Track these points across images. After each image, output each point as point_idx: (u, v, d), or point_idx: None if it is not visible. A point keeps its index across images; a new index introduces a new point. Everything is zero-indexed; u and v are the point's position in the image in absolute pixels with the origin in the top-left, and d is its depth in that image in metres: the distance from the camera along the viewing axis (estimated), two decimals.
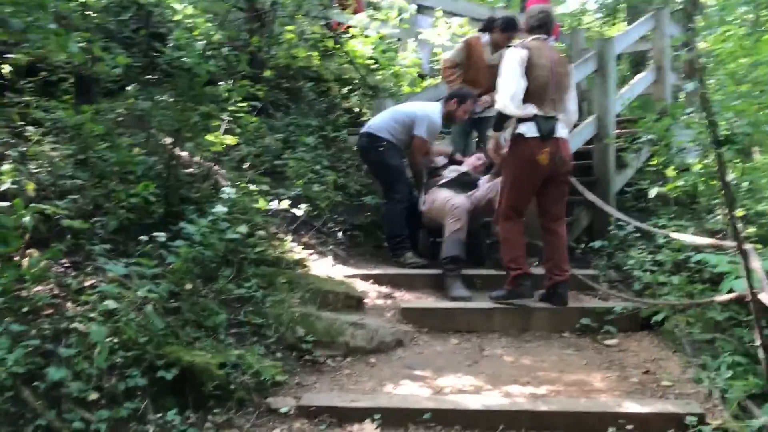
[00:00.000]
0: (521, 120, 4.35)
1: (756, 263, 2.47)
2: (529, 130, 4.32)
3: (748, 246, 2.38)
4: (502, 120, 4.49)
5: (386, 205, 5.43)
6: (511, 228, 4.47)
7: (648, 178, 6.18)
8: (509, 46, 5.06)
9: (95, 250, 3.52)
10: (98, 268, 3.58)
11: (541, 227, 4.60)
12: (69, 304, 3.27)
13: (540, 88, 4.34)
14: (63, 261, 3.59)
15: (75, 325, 3.02)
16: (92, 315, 3.14)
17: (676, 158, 6.17)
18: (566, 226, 5.83)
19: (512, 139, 4.46)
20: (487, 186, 5.28)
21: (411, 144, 5.46)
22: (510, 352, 3.95)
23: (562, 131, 4.42)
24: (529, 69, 4.32)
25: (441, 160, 5.72)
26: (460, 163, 5.73)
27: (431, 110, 5.51)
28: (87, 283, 3.47)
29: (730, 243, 3.24)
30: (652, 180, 6.23)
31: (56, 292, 3.34)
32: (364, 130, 5.58)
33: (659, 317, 4.02)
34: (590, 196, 4.99)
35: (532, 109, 4.32)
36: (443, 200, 5.13)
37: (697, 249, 4.44)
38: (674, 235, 3.53)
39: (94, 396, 2.83)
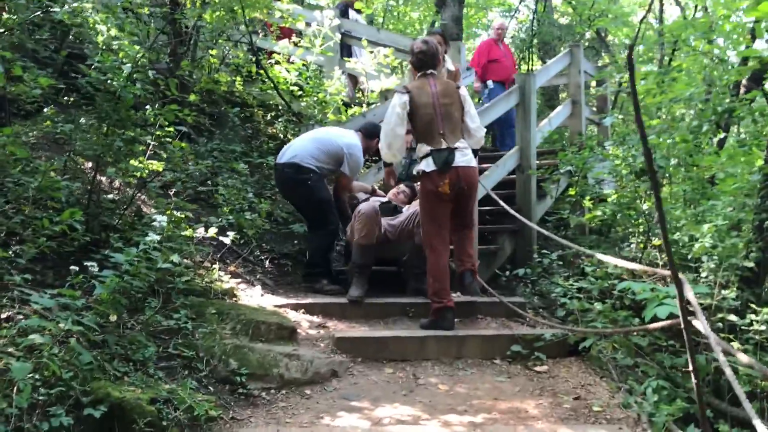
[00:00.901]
0: (422, 157, 4.64)
1: (690, 292, 2.59)
2: (427, 165, 4.59)
3: (681, 275, 2.49)
4: (387, 165, 4.96)
5: (318, 233, 5.31)
6: (437, 260, 4.62)
7: (565, 208, 6.42)
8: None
9: (15, 279, 3.30)
10: (14, 300, 3.37)
11: (452, 232, 4.77)
12: None
13: (427, 125, 4.62)
14: None
15: None
16: (11, 350, 2.94)
17: (592, 189, 6.45)
18: (492, 255, 6.02)
19: (417, 176, 4.75)
20: (409, 212, 5.32)
21: (336, 179, 5.44)
22: (444, 381, 3.96)
23: (460, 159, 4.61)
24: (413, 110, 4.64)
25: (362, 196, 5.74)
26: (382, 197, 5.79)
27: (356, 145, 5.45)
28: (3, 315, 3.26)
29: (663, 270, 3.38)
30: (571, 209, 6.48)
31: None
32: (286, 159, 5.31)
33: (587, 343, 4.14)
34: (534, 227, 5.14)
35: (425, 147, 4.62)
36: (354, 213, 5.21)
37: (620, 277, 4.63)
38: (610, 260, 3.64)
39: None
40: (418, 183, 4.86)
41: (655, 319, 3.86)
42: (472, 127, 4.78)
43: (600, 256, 3.71)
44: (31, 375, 2.85)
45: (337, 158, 5.36)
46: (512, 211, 5.49)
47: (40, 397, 2.82)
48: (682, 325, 2.55)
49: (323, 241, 5.30)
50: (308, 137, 5.48)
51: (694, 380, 2.55)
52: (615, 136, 8.40)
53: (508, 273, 5.84)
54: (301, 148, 5.35)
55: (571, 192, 6.63)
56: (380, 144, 4.81)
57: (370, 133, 5.58)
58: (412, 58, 4.87)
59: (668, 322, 2.96)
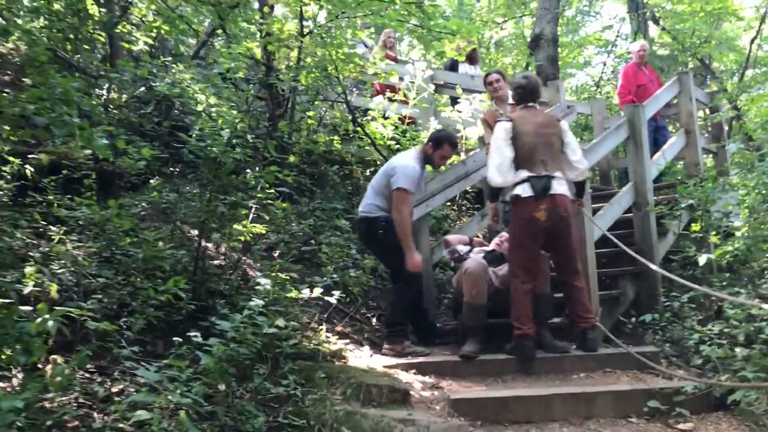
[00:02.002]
0: (517, 183, 4.69)
1: None
2: (524, 190, 4.65)
3: None
4: (496, 191, 4.95)
5: (396, 286, 5.01)
6: (518, 287, 4.68)
7: (689, 245, 5.91)
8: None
9: (123, 353, 3.26)
10: (125, 372, 3.33)
11: (560, 282, 4.85)
12: (96, 415, 3.00)
13: (528, 153, 4.71)
14: (88, 366, 3.35)
15: None
16: (122, 425, 2.87)
17: (718, 222, 5.92)
18: (614, 301, 5.59)
19: (512, 201, 4.80)
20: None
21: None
22: None
23: (558, 187, 4.68)
24: (515, 138, 4.74)
25: (463, 248, 5.44)
26: (482, 245, 5.52)
27: (406, 158, 5.09)
28: (114, 389, 3.22)
29: None
30: (697, 247, 5.96)
31: (81, 401, 3.08)
32: (359, 215, 5.14)
33: (737, 396, 3.66)
34: (657, 269, 4.73)
35: (524, 173, 4.68)
36: (461, 270, 4.95)
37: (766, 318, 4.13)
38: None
39: None
40: None
41: None
42: (574, 159, 4.84)
43: (753, 304, 3.28)
44: None
45: (390, 186, 4.99)
46: (631, 252, 5.08)
47: None
48: None
49: (399, 297, 4.95)
50: (370, 185, 5.25)
51: None
52: (734, 164, 7.81)
53: (633, 320, 5.38)
54: (366, 198, 5.14)
55: (695, 227, 6.12)
56: (489, 169, 4.78)
57: (437, 140, 5.15)
58: (512, 93, 5.05)
59: None
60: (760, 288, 5.72)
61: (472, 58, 9.20)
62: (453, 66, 9.11)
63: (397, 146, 7.36)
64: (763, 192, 5.13)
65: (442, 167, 5.73)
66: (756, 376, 3.71)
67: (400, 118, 7.72)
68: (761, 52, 12.84)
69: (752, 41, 11.86)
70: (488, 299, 4.84)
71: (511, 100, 5.67)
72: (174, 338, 3.34)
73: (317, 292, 4.53)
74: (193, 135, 4.54)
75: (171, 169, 5.33)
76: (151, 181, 5.00)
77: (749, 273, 6.11)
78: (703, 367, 4.54)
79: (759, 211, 5.27)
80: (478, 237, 5.94)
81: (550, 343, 4.77)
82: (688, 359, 4.89)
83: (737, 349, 4.08)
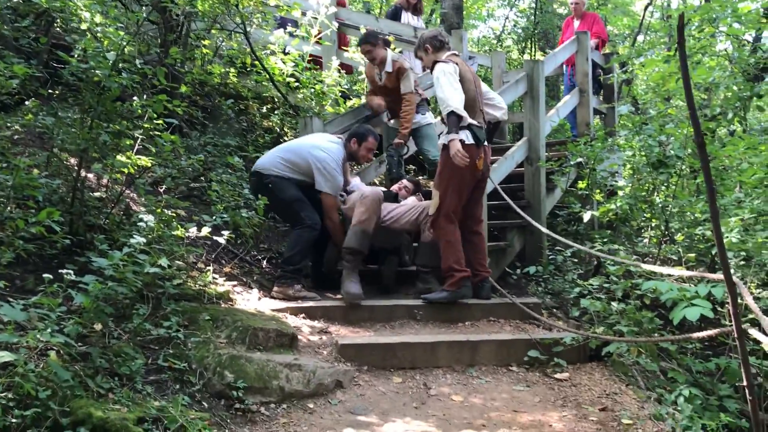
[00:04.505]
0: (458, 129, 4.61)
1: (748, 297, 2.30)
2: (467, 137, 4.62)
3: (736, 278, 2.20)
4: (457, 122, 4.59)
5: (295, 230, 4.90)
6: (453, 231, 4.75)
7: (573, 201, 6.13)
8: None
9: None
10: None
11: (464, 231, 4.86)
12: None
13: (471, 100, 4.71)
14: None
15: None
16: None
17: (603, 181, 6.15)
18: (501, 252, 5.74)
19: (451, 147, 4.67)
20: (415, 205, 5.05)
21: (320, 201, 4.95)
22: (458, 390, 3.67)
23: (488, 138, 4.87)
24: (461, 82, 4.68)
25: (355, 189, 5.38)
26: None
27: (326, 157, 4.94)
28: None
29: (716, 276, 3.09)
30: (582, 203, 6.18)
31: None
32: (253, 169, 5.07)
33: (611, 348, 3.84)
34: (542, 228, 4.85)
35: (468, 119, 4.63)
36: (357, 194, 4.92)
37: (642, 275, 4.34)
38: (656, 268, 3.37)
39: None
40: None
41: (683, 321, 3.58)
42: (497, 100, 5.10)
43: (653, 267, 3.41)
44: (3, 395, 2.56)
45: (306, 171, 4.93)
46: (520, 211, 5.21)
47: (14, 420, 2.53)
48: (736, 334, 2.27)
49: (298, 238, 4.84)
50: (278, 148, 5.16)
51: (749, 396, 2.27)
52: (621, 126, 8.11)
53: (518, 271, 5.55)
54: (266, 157, 5.05)
55: (581, 185, 6.34)
56: (453, 102, 4.53)
57: (360, 135, 5.11)
58: (433, 41, 4.94)
59: (715, 330, 2.66)
60: (637, 246, 6.04)
61: (416, 8, 9.03)
62: (395, 14, 8.88)
63: (297, 83, 7.13)
64: (646, 154, 5.34)
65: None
66: (630, 329, 3.90)
67: (300, 56, 7.46)
68: (653, 19, 13.33)
69: (646, 7, 12.27)
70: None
71: (410, 58, 5.74)
72: (44, 276, 3.09)
73: (205, 231, 4.34)
74: (76, 55, 4.15)
75: (49, 91, 4.87)
76: (27, 102, 4.56)
77: (627, 231, 6.43)
78: (580, 319, 4.75)
79: (642, 172, 5.50)
80: (375, 182, 5.89)
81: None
82: (567, 311, 5.10)
83: (614, 304, 4.28)
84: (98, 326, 3.25)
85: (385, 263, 5.15)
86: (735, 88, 5.07)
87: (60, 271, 3.12)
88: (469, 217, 4.92)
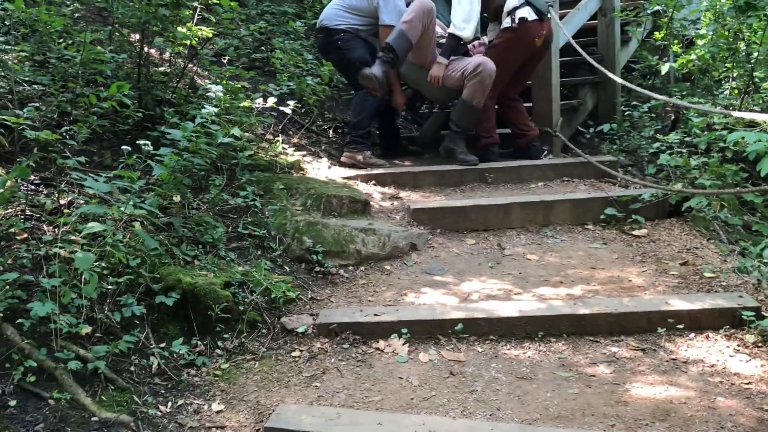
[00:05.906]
0: (517, 7, 4.57)
1: None
2: (529, 14, 4.55)
3: None
4: (455, 48, 4.66)
5: (359, 94, 4.76)
6: (491, 103, 4.84)
7: (647, 55, 5.78)
8: None
9: (68, 163, 3.06)
10: (72, 184, 3.16)
11: (504, 97, 4.95)
12: (46, 227, 2.87)
13: None
14: (32, 178, 3.16)
15: (56, 250, 2.61)
16: (74, 238, 2.75)
17: (682, 31, 5.76)
18: (573, 111, 5.55)
19: (514, 25, 4.60)
20: (464, 62, 4.72)
21: (378, 32, 4.75)
22: (533, 250, 3.65)
23: (550, 13, 4.72)
24: None
25: None
26: None
27: None
28: (63, 201, 3.06)
29: None
30: (659, 56, 5.84)
31: (29, 213, 2.93)
32: (318, 24, 4.90)
33: (692, 203, 3.71)
34: (619, 80, 4.55)
35: None
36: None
37: (726, 127, 4.12)
38: (748, 114, 3.16)
39: (87, 330, 2.48)
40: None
41: None
42: None
43: (723, 111, 3.21)
44: (96, 264, 2.67)
45: (369, 11, 4.77)
46: (595, 63, 4.93)
47: (109, 287, 2.65)
48: None
49: (363, 102, 4.72)
50: None
51: None
52: None
53: (591, 130, 5.36)
54: (329, 8, 4.87)
55: (657, 36, 5.96)
56: (456, 21, 4.56)
57: None
58: None
59: None
60: (717, 98, 5.72)
61: None
62: None
63: None
64: None
65: None
66: (713, 183, 3.76)
67: None
68: None
69: None
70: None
71: None
72: (122, 148, 3.13)
73: (271, 101, 4.30)
74: None
75: None
76: None
77: (707, 83, 6.08)
78: (657, 176, 4.60)
79: (726, 17, 5.10)
80: None
81: (461, 156, 4.74)
82: (642, 169, 4.95)
83: (693, 158, 4.11)
84: (177, 197, 3.31)
85: (430, 118, 5.22)
86: None
87: (137, 142, 3.16)
88: (515, 87, 4.97)
